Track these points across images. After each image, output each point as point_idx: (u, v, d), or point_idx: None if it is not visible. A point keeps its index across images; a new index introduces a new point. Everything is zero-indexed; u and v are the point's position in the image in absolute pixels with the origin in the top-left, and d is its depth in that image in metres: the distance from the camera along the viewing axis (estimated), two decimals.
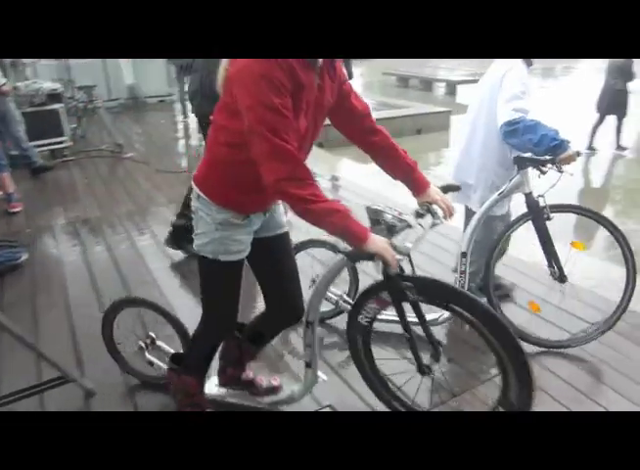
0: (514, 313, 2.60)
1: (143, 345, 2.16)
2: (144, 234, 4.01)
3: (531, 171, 2.33)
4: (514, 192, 2.39)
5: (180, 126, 8.32)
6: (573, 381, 2.24)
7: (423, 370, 1.72)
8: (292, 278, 1.82)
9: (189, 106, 8.28)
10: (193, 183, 1.60)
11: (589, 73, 17.13)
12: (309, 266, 2.39)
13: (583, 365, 2.36)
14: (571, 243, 2.39)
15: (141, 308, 2.27)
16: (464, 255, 2.39)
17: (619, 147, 7.68)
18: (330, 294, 2.44)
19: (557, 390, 2.17)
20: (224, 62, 1.39)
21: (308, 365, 1.90)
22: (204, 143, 2.17)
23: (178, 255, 3.55)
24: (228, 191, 1.55)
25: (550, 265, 2.41)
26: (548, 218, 2.34)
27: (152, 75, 9.49)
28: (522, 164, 2.31)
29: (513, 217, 2.54)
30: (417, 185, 1.73)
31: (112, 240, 3.90)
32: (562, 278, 2.40)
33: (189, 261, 3.42)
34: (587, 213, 2.40)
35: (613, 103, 7.37)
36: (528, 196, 2.34)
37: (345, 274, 2.54)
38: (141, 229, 4.11)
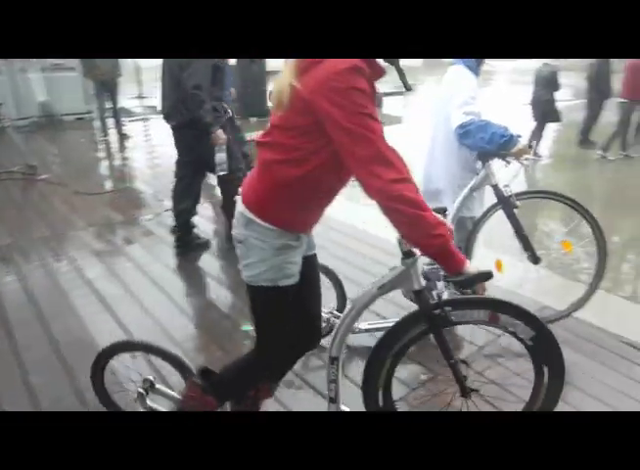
0: None
1: (142, 391, 1.91)
2: (60, 261, 3.70)
3: (496, 165, 2.51)
4: (482, 185, 2.56)
5: (101, 145, 7.88)
6: (514, 389, 2.24)
7: (466, 393, 1.68)
8: (318, 300, 1.79)
9: (109, 123, 8.26)
10: (244, 210, 1.49)
11: (505, 85, 18.86)
12: None
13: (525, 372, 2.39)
14: (495, 263, 2.52)
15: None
16: None
17: (536, 154, 8.07)
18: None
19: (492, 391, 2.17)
20: (285, 78, 1.35)
21: (332, 401, 1.79)
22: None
23: (98, 279, 3.34)
24: (288, 211, 1.49)
25: (525, 249, 2.59)
26: (516, 206, 2.51)
27: (66, 92, 8.90)
28: (485, 158, 2.49)
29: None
30: None
31: (25, 269, 3.56)
32: (535, 260, 2.60)
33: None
34: (551, 196, 2.59)
35: (544, 112, 7.84)
36: (496, 187, 2.51)
37: (330, 288, 2.57)
38: (57, 256, 3.80)
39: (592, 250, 2.66)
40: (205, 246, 3.95)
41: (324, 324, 2.47)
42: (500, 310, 1.55)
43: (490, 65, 22.50)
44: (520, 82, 13.60)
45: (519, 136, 2.39)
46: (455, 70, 2.57)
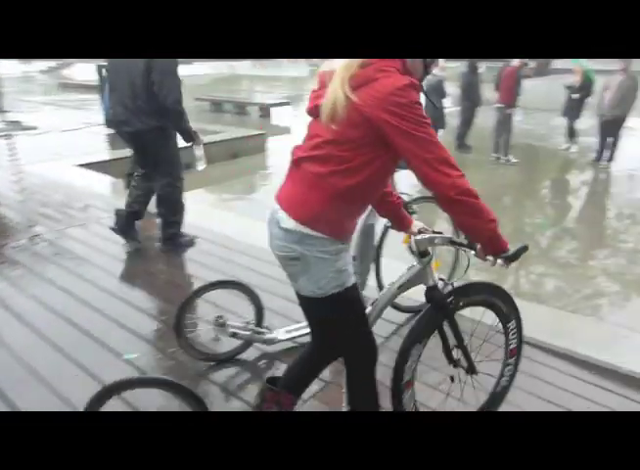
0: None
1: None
2: None
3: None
4: None
5: None
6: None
7: (474, 371, 1.97)
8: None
9: None
10: (296, 227, 1.54)
11: None
12: None
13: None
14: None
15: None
16: (354, 258, 2.60)
17: None
18: (235, 330, 2.48)
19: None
20: (337, 92, 1.44)
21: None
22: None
23: None
24: (342, 219, 1.59)
25: None
26: (414, 212, 2.64)
27: None
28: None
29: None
30: (402, 222, 1.97)
31: None
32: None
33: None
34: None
35: (433, 119, 9.43)
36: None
37: (245, 303, 2.62)
38: None
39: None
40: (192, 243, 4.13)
41: (240, 342, 2.57)
42: (494, 295, 1.93)
43: None
44: None
45: None
46: None
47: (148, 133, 3.58)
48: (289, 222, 1.54)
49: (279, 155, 8.91)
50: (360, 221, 2.62)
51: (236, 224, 4.77)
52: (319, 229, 1.53)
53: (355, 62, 1.45)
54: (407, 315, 2.99)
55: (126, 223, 3.99)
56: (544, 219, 6.27)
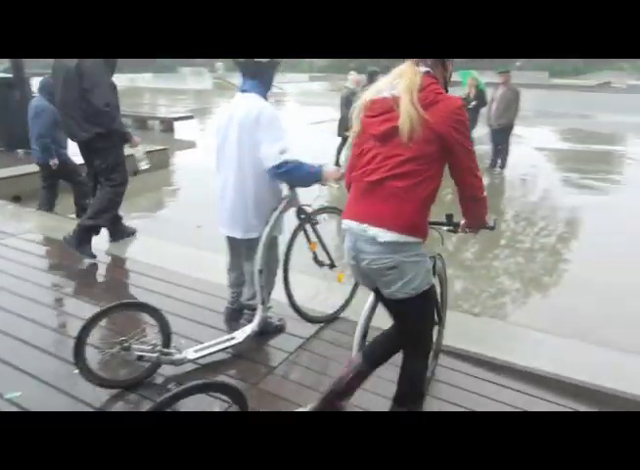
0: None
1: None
2: None
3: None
4: (289, 208, 2.81)
5: None
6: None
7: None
8: None
9: None
10: (393, 237, 1.73)
11: (295, 106, 17.92)
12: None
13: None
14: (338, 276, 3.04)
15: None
16: (260, 271, 2.71)
17: (337, 164, 8.81)
18: (141, 352, 2.40)
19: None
20: (416, 113, 1.67)
21: None
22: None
23: None
24: (426, 222, 1.84)
25: (328, 255, 3.05)
26: (317, 222, 2.94)
27: None
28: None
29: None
30: None
31: None
32: (332, 266, 3.06)
33: None
34: (336, 211, 2.96)
35: (346, 129, 9.42)
36: (300, 208, 2.87)
37: (150, 325, 2.56)
38: None
39: None
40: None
41: (147, 365, 2.47)
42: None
43: (280, 88, 21.53)
44: (307, 103, 13.10)
45: (322, 166, 2.72)
46: (253, 101, 2.60)
47: (92, 141, 3.83)
48: (387, 235, 1.73)
49: (185, 170, 8.67)
50: (264, 234, 2.69)
51: (138, 244, 4.56)
52: (417, 235, 1.77)
53: (414, 86, 1.70)
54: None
55: (82, 238, 3.95)
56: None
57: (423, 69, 1.76)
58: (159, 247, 4.49)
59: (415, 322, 1.93)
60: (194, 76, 32.07)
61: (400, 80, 1.74)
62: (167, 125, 13.16)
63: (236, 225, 2.75)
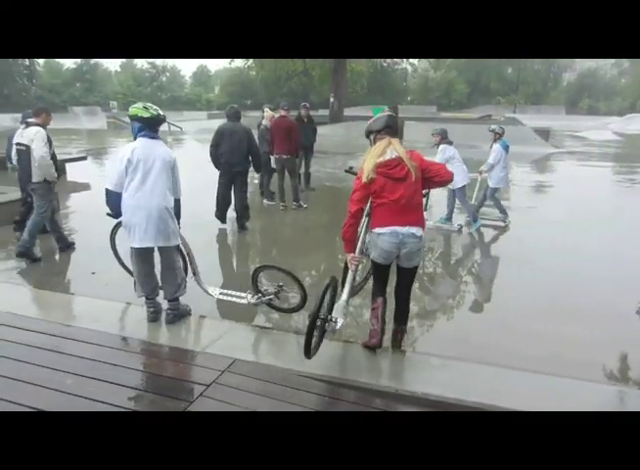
0: None
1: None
2: None
3: None
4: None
5: None
6: None
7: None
8: None
9: None
10: (417, 232, 3.10)
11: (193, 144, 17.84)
12: None
13: None
14: None
15: None
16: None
17: (273, 198, 8.85)
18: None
19: None
20: (412, 163, 3.10)
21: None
22: None
23: None
24: None
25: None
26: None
27: None
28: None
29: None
30: None
31: None
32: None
33: None
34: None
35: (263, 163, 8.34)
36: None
37: None
38: None
39: None
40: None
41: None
42: None
43: (177, 126, 24.60)
44: (206, 141, 8.93)
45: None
46: (149, 144, 3.55)
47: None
48: (420, 231, 3.13)
49: (78, 213, 8.11)
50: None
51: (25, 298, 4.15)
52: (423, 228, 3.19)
53: (402, 150, 3.12)
54: None
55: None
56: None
57: (395, 139, 3.20)
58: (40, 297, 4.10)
59: (414, 276, 3.33)
60: (87, 116, 30.76)
61: (393, 147, 3.12)
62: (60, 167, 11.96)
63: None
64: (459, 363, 3.23)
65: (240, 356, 3.15)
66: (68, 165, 12.06)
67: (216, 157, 7.01)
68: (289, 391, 2.81)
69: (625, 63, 58.01)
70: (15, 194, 7.75)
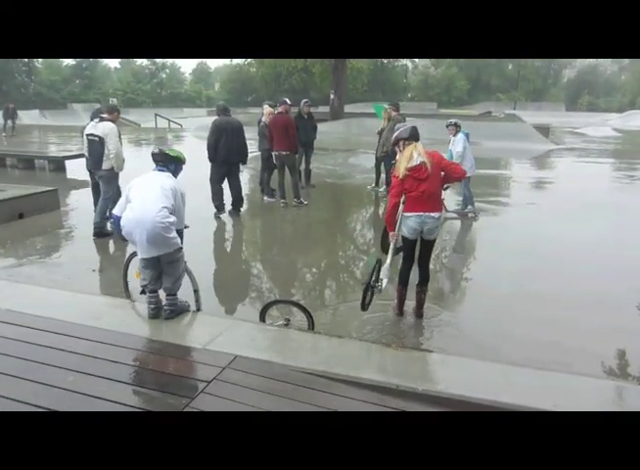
0: None
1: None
2: None
3: None
4: None
5: None
6: None
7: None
8: None
9: None
10: (439, 214, 4.14)
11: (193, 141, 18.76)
12: None
13: None
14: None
15: None
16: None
17: (274, 195, 8.81)
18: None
19: None
20: (431, 163, 4.04)
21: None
22: None
23: None
24: None
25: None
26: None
27: None
28: None
29: None
30: None
31: None
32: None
33: None
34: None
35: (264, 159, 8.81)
36: None
37: None
38: None
39: None
40: None
41: None
42: None
43: (178, 124, 26.90)
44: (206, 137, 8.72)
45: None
46: (157, 174, 3.78)
47: None
48: (438, 214, 4.12)
49: (78, 211, 8.11)
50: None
51: (22, 294, 4.12)
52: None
53: (425, 154, 4.06)
54: None
55: None
56: (371, 256, 6.39)
57: (418, 143, 4.16)
58: (47, 296, 4.10)
59: (433, 247, 4.30)
60: (86, 112, 30.96)
61: (418, 151, 4.05)
62: (58, 165, 12.39)
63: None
64: (459, 359, 3.23)
65: (241, 353, 3.15)
66: (67, 163, 12.16)
67: (215, 150, 7.34)
68: (290, 387, 2.81)
69: (625, 60, 58.03)
70: (14, 191, 7.87)
